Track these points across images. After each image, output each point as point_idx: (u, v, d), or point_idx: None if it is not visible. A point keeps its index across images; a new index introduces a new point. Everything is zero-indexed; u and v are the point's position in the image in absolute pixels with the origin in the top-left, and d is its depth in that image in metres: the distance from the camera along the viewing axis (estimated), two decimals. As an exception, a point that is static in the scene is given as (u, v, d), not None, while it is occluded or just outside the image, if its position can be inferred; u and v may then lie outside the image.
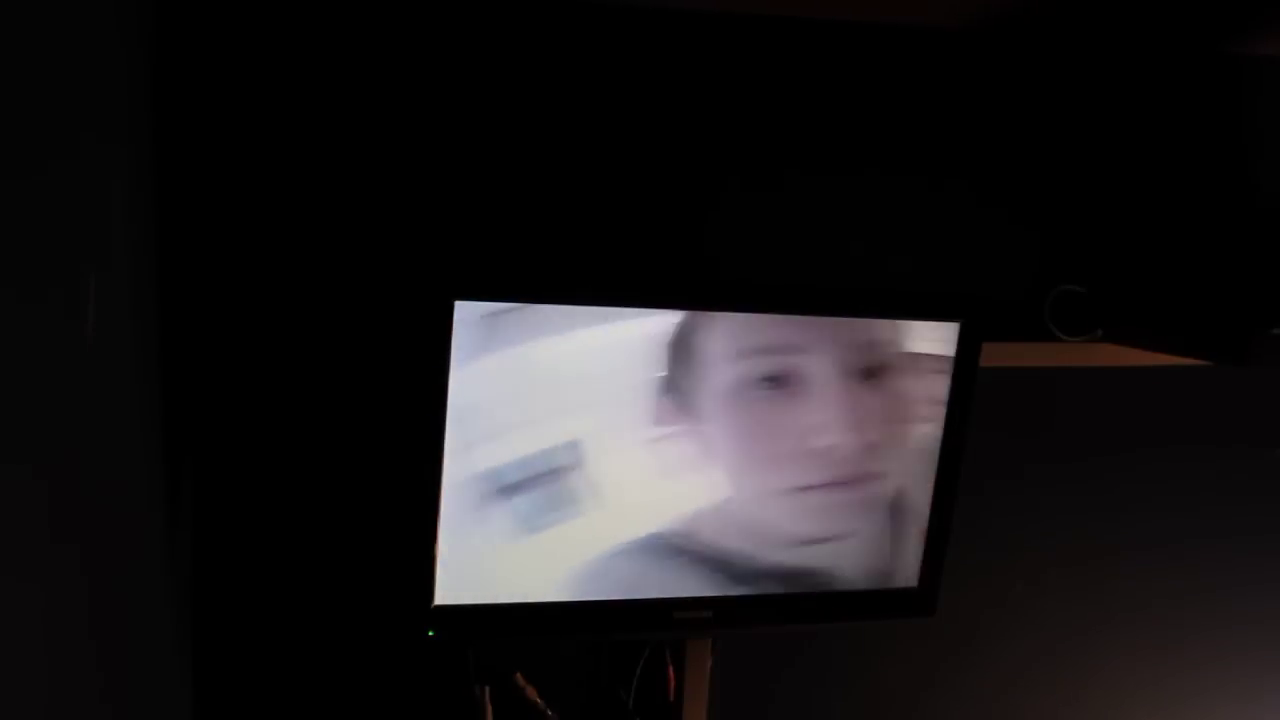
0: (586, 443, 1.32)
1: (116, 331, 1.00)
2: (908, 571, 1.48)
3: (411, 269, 1.42)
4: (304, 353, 1.43)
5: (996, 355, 1.51)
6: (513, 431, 1.30)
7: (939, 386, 1.44)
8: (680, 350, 1.33)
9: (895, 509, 1.46)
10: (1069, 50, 1.60)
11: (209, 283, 1.39)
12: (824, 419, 1.39)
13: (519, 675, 1.52)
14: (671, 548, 1.38)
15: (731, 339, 1.34)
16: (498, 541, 1.32)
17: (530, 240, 1.47)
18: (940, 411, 1.44)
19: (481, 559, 1.32)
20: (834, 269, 1.57)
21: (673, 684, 1.56)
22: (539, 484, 1.32)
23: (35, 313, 0.75)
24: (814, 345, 1.37)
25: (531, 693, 1.52)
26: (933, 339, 1.42)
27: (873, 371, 1.40)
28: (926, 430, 1.45)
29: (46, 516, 0.80)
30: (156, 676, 1.25)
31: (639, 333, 1.31)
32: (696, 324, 1.32)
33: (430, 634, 1.33)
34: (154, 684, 1.24)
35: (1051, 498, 1.71)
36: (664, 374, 1.32)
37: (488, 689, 1.48)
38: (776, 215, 1.54)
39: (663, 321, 1.31)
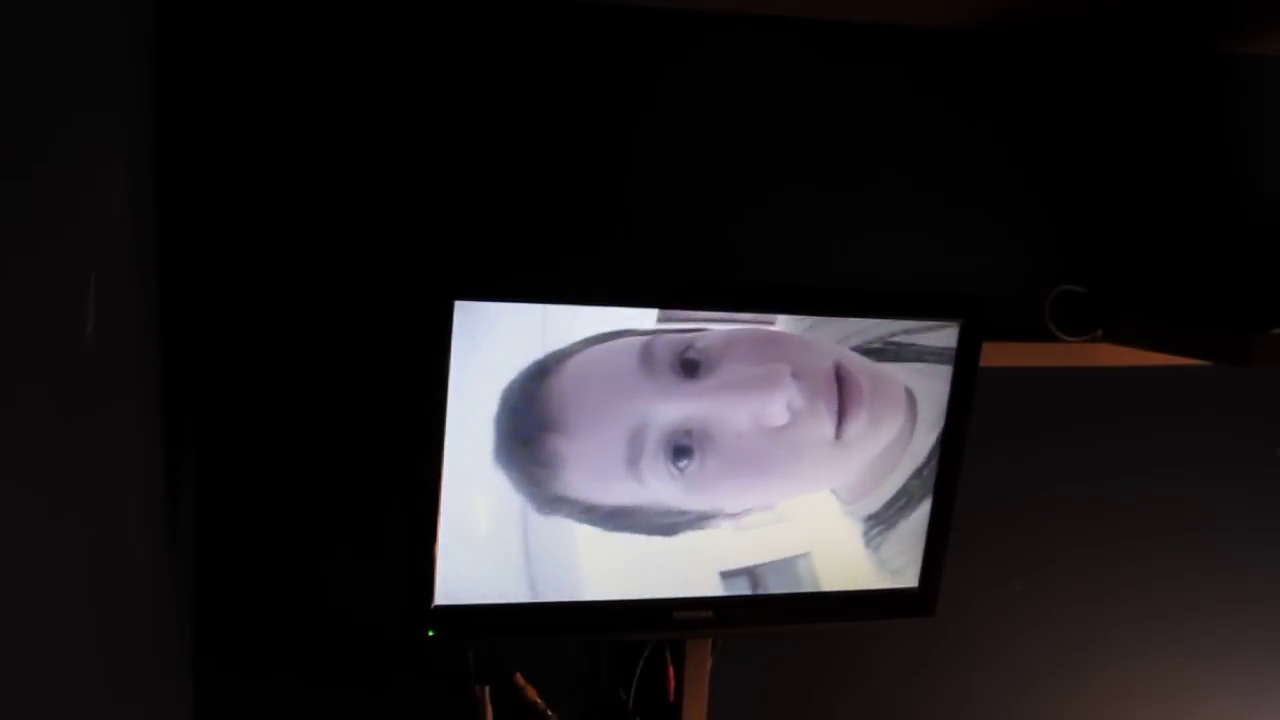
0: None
1: (116, 331, 1.00)
2: (908, 572, 1.48)
3: (411, 269, 1.43)
4: (304, 352, 1.43)
5: (996, 355, 1.51)
6: None
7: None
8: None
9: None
10: (1069, 51, 1.60)
11: (209, 282, 1.39)
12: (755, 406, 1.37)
13: (519, 675, 1.52)
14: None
15: (593, 466, 1.32)
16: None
17: (530, 241, 1.47)
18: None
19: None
20: (834, 269, 1.57)
21: (673, 684, 1.56)
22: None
23: (35, 313, 0.75)
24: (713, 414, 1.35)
25: (531, 693, 1.52)
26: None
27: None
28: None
29: (46, 516, 0.80)
30: (156, 676, 1.25)
31: None
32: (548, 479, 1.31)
33: (430, 634, 1.33)
34: (154, 684, 1.24)
35: (1051, 498, 1.71)
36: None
37: (488, 689, 1.49)
38: (777, 216, 1.54)
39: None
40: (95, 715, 0.95)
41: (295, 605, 1.48)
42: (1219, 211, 1.69)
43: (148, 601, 1.18)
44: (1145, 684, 1.82)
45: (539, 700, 1.52)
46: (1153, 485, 1.75)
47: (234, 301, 1.40)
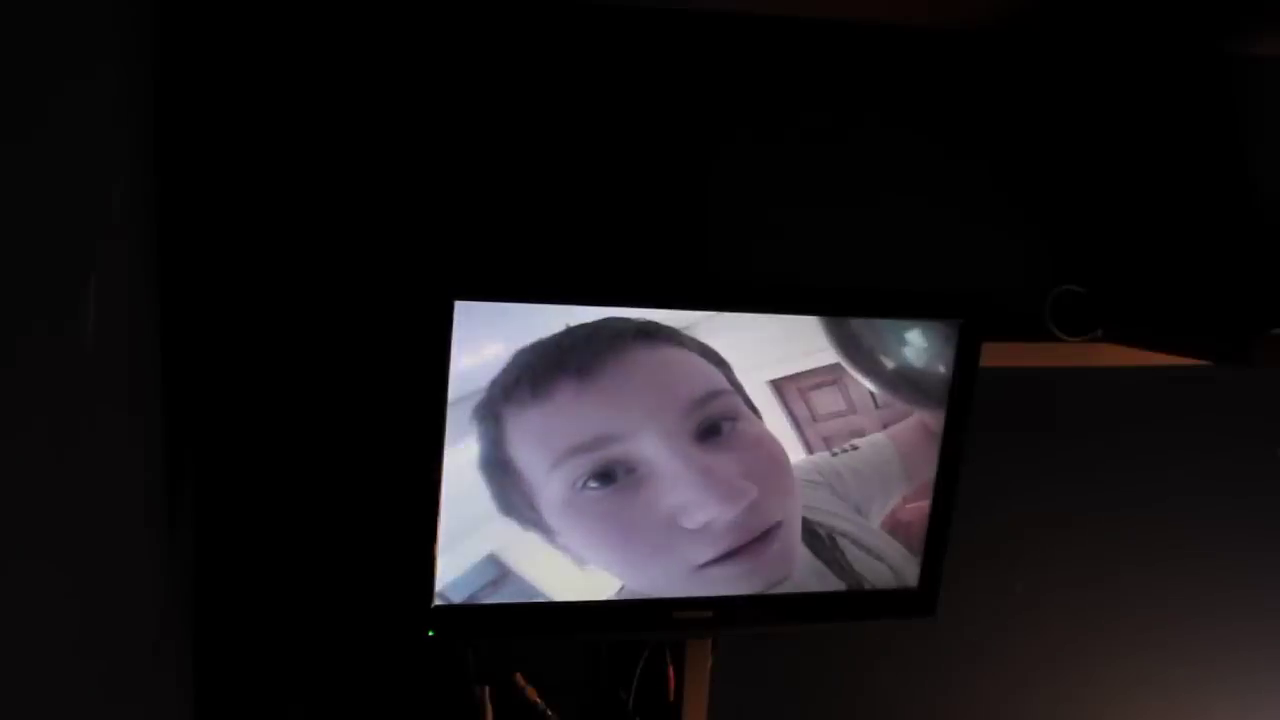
0: (502, 554, 1.33)
1: (116, 331, 1.00)
2: (908, 572, 1.48)
3: (411, 269, 1.42)
4: (304, 353, 1.43)
5: (996, 355, 1.51)
6: (440, 556, 1.31)
7: (830, 400, 1.38)
8: (497, 471, 1.28)
9: (820, 539, 1.43)
10: (1069, 51, 1.60)
11: (209, 283, 1.39)
12: (684, 498, 1.33)
13: (519, 675, 1.52)
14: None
15: (540, 447, 1.28)
16: None
17: (529, 241, 1.47)
18: (844, 424, 1.40)
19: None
20: (835, 269, 1.57)
21: (673, 684, 1.56)
22: (487, 593, 1.33)
23: (35, 313, 0.75)
24: (632, 428, 1.29)
25: (531, 693, 1.52)
26: (791, 357, 1.35)
27: (713, 429, 1.33)
28: (824, 454, 1.39)
29: (45, 518, 0.80)
30: (157, 677, 1.25)
31: (464, 459, 1.27)
32: (501, 439, 1.27)
33: (430, 634, 1.33)
34: (154, 684, 1.24)
35: (1051, 497, 1.71)
36: (494, 500, 1.29)
37: (488, 689, 1.49)
38: (776, 216, 1.54)
39: (469, 448, 1.27)
40: (95, 715, 0.95)
41: (295, 605, 1.48)
42: (1219, 212, 1.69)
43: (148, 601, 1.18)
44: (1145, 684, 1.82)
45: (539, 700, 1.52)
46: (1152, 485, 1.75)
47: (234, 301, 1.40)
